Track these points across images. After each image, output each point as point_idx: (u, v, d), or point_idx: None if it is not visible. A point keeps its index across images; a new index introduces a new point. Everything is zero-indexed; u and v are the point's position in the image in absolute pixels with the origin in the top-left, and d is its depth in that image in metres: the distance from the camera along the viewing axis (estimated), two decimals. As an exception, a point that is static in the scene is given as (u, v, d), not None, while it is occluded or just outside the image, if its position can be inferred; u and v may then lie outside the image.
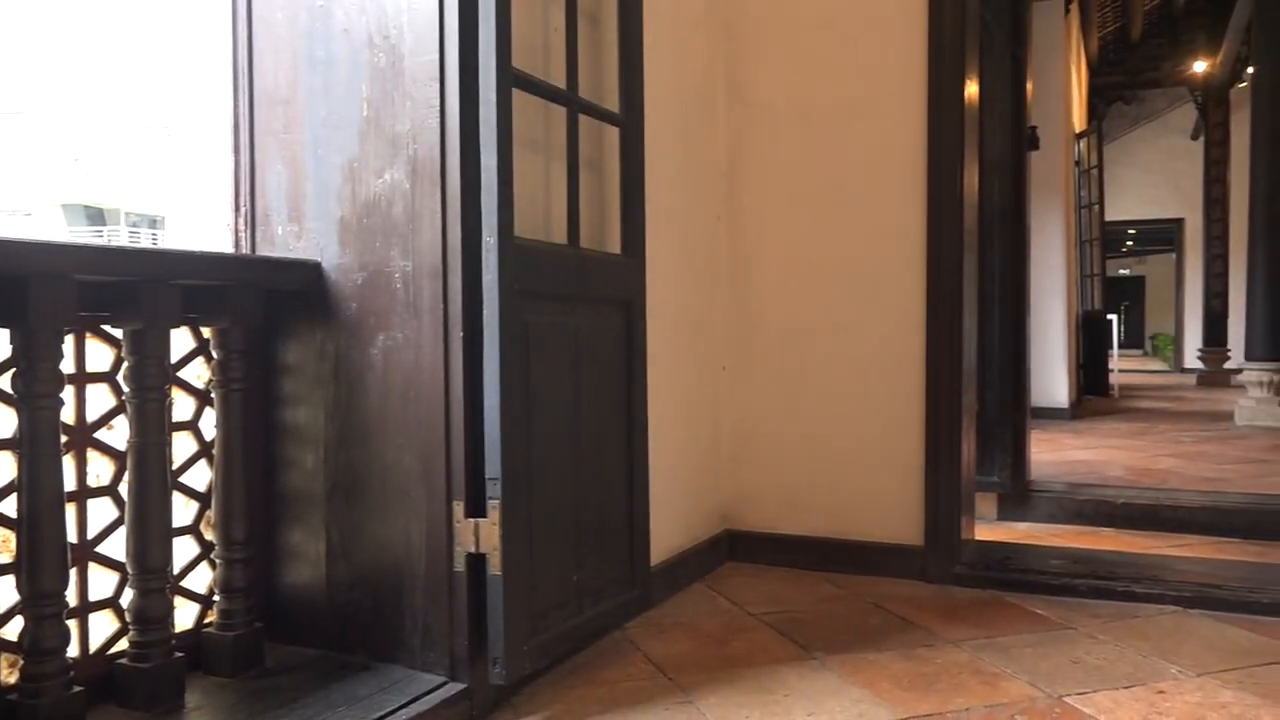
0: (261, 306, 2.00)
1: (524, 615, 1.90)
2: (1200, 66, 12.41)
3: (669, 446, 2.81)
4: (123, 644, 1.80)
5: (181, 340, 1.98)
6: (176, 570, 1.94)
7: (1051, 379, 7.72)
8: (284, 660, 2.01)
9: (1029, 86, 4.17)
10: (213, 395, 1.97)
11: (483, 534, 1.86)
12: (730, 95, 3.24)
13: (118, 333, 1.82)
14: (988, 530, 3.65)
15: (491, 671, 1.85)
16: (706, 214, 3.15)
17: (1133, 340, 26.52)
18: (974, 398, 3.26)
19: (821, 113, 3.12)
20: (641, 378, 2.38)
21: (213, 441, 1.98)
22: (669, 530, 2.82)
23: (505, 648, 1.83)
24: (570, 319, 2.11)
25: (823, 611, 2.66)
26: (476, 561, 1.89)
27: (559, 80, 2.12)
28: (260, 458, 2.09)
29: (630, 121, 2.34)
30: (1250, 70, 8.48)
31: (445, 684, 1.88)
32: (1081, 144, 9.25)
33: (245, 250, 2.13)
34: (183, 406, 2.00)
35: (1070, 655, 2.29)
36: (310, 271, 2.04)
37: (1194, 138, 14.90)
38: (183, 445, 1.99)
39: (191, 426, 2.01)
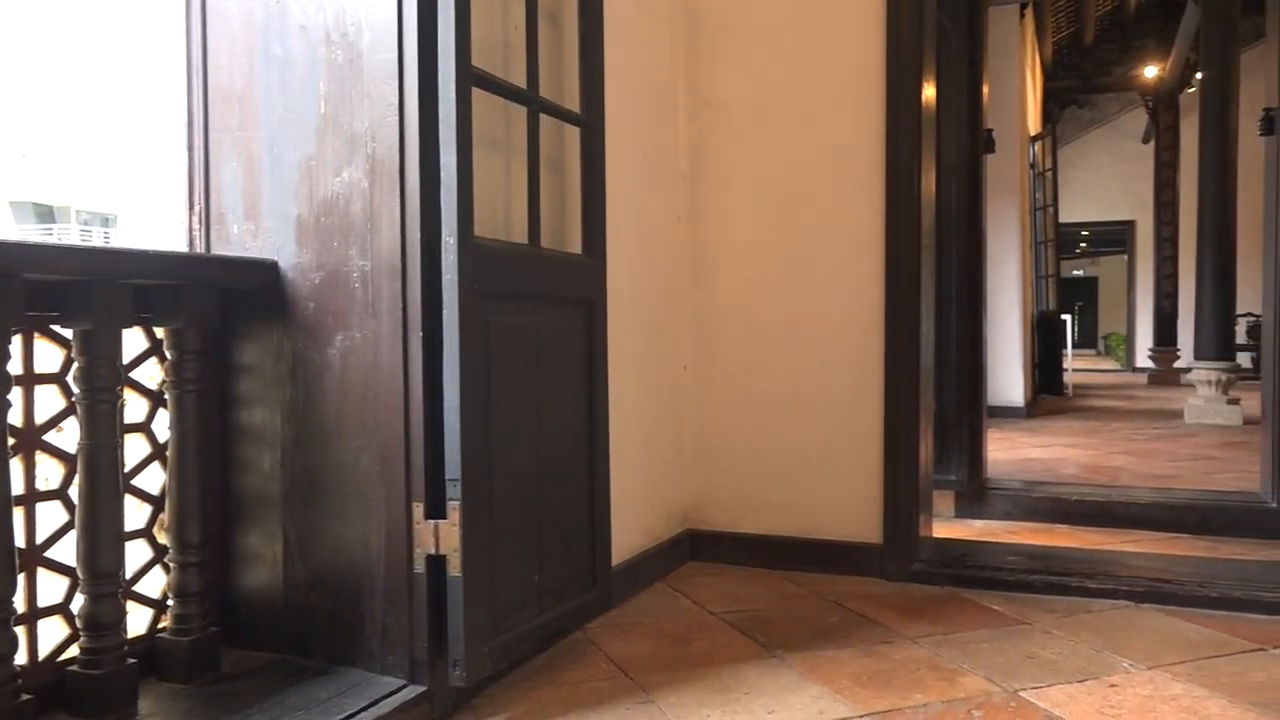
0: (216, 306, 1.97)
1: (484, 617, 1.89)
2: (1151, 72, 12.67)
3: (630, 447, 2.81)
4: (73, 650, 1.77)
5: (134, 340, 1.94)
6: (129, 574, 1.90)
7: (1007, 378, 7.83)
8: (240, 665, 1.98)
9: (985, 90, 4.23)
10: (166, 396, 1.94)
11: (442, 535, 1.85)
12: (691, 96, 3.25)
13: (68, 333, 1.78)
14: (945, 528, 3.69)
15: (451, 674, 1.84)
16: (668, 214, 3.16)
17: (1086, 340, 26.98)
18: (931, 397, 3.30)
19: (782, 114, 3.14)
20: (603, 378, 2.38)
21: (166, 443, 1.94)
22: (630, 530, 2.82)
23: (465, 650, 1.82)
24: (531, 319, 2.10)
25: (783, 610, 2.67)
26: (436, 563, 1.87)
27: (519, 79, 2.12)
28: (216, 460, 2.06)
29: (591, 121, 2.34)
30: (1199, 76, 8.68)
31: (405, 687, 1.87)
32: (1036, 147, 9.40)
33: (200, 249, 2.10)
34: (135, 408, 1.96)
35: (1026, 650, 2.33)
36: (267, 271, 2.01)
37: (1145, 141, 15.19)
38: (135, 447, 1.96)
39: (144, 428, 1.98)
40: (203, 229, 2.10)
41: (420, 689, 1.87)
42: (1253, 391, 5.28)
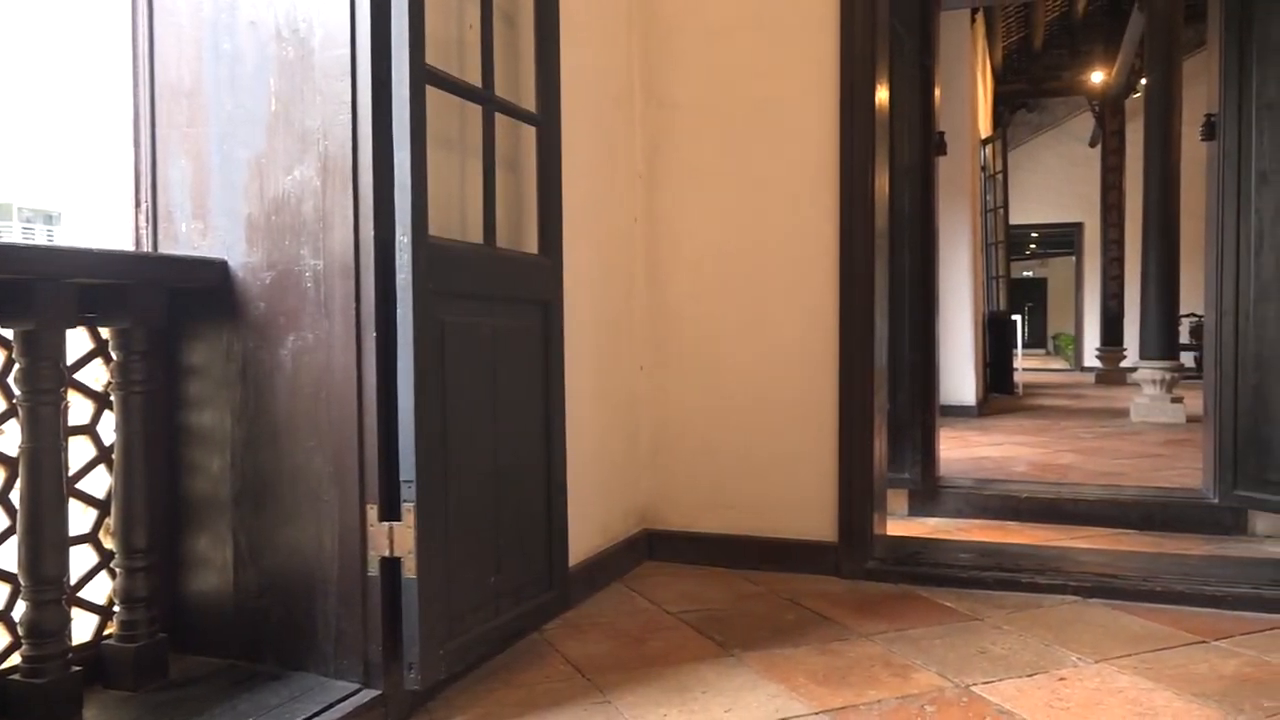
0: (164, 306, 1.93)
1: (440, 619, 1.88)
2: (1097, 77, 12.93)
3: (587, 447, 2.81)
4: (15, 659, 1.72)
5: (78, 341, 1.90)
6: (74, 580, 1.86)
7: (959, 378, 7.95)
8: (189, 671, 1.94)
9: (937, 93, 4.29)
10: (112, 398, 1.90)
11: (397, 537, 1.83)
12: (647, 97, 3.25)
13: (8, 333, 1.74)
14: (899, 525, 3.74)
15: (406, 677, 1.82)
16: (624, 215, 3.16)
17: (1036, 340, 27.46)
18: (885, 397, 3.34)
19: (737, 116, 3.15)
20: (559, 378, 2.37)
21: (112, 446, 1.90)
22: (588, 530, 2.81)
23: (420, 652, 1.81)
24: (487, 319, 2.09)
25: (740, 609, 2.69)
26: (391, 565, 1.85)
27: (474, 78, 2.10)
28: (163, 462, 2.02)
29: (547, 121, 2.33)
30: (1143, 82, 8.87)
31: (359, 691, 1.85)
32: (987, 150, 9.55)
33: (147, 248, 2.06)
34: (80, 410, 1.92)
35: (977, 646, 2.36)
36: (216, 270, 1.98)
37: (1092, 145, 15.51)
38: (80, 450, 1.91)
39: (90, 430, 1.93)
40: (149, 227, 2.06)
41: (375, 693, 1.85)
42: (1195, 390, 5.40)
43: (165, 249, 2.04)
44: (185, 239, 2.03)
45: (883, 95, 3.16)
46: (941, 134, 4.33)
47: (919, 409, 4.10)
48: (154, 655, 1.89)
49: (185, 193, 2.03)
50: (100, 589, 1.94)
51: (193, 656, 2.01)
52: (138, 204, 2.07)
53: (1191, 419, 7.22)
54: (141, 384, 1.89)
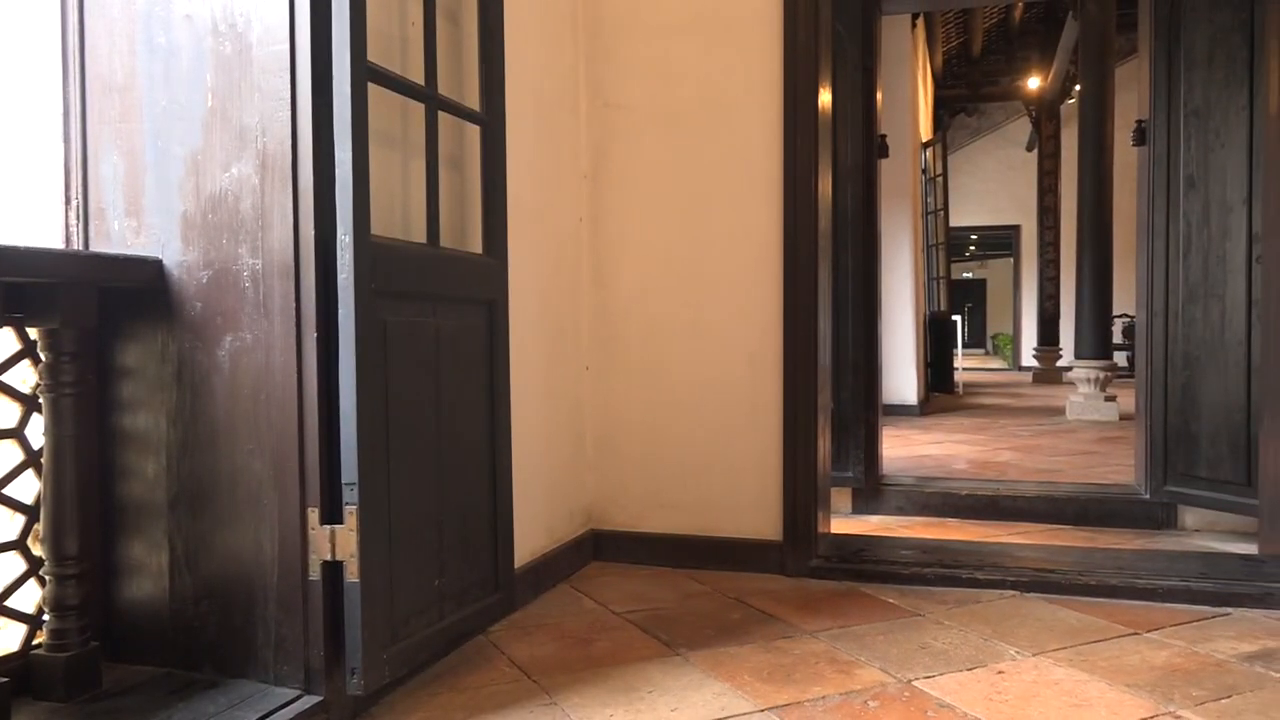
0: (95, 306, 1.88)
1: (383, 623, 1.85)
2: (1034, 83, 13.23)
3: (533, 448, 2.79)
4: (-62, 671, 1.67)
5: (5, 341, 1.84)
6: (1, 588, 1.80)
7: (901, 377, 8.07)
8: (124, 680, 1.89)
9: (879, 97, 4.34)
10: (41, 400, 1.84)
11: (339, 541, 1.81)
12: (593, 97, 3.25)
13: (-70, 334, 1.68)
14: (843, 523, 3.78)
15: (349, 682, 1.80)
16: (569, 215, 3.15)
17: (976, 340, 27.98)
18: (829, 396, 3.38)
19: (682, 117, 3.16)
20: (504, 379, 2.36)
21: (41, 450, 1.85)
22: (533, 531, 2.80)
23: (363, 657, 1.78)
24: (431, 319, 2.07)
25: (687, 608, 2.69)
26: (333, 569, 1.83)
27: (417, 76, 2.08)
28: (95, 467, 1.97)
29: (491, 120, 2.31)
30: (1077, 88, 9.09)
31: (300, 697, 1.82)
32: (928, 153, 9.71)
33: (77, 246, 2.00)
34: (6, 413, 1.86)
35: (919, 641, 2.40)
36: (150, 269, 1.93)
37: (1029, 149, 15.86)
38: (6, 454, 1.85)
39: (16, 434, 1.87)
40: (80, 225, 2.00)
41: (316, 699, 1.82)
42: (1129, 389, 5.55)
43: (97, 247, 1.99)
44: (118, 237, 1.98)
45: (826, 97, 3.19)
46: (883, 137, 4.39)
47: (862, 408, 4.15)
48: (86, 665, 1.84)
49: (118, 190, 1.98)
50: (29, 597, 1.88)
51: (127, 665, 1.96)
52: (68, 201, 2.01)
53: (1124, 417, 7.41)
54: (72, 386, 1.84)
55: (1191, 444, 3.65)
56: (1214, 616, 2.61)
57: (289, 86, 1.83)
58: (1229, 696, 2.03)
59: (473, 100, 2.29)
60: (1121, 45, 9.97)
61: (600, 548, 3.24)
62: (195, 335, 1.91)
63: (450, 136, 2.27)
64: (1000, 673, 2.18)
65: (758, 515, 3.10)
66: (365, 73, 1.82)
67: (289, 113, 1.83)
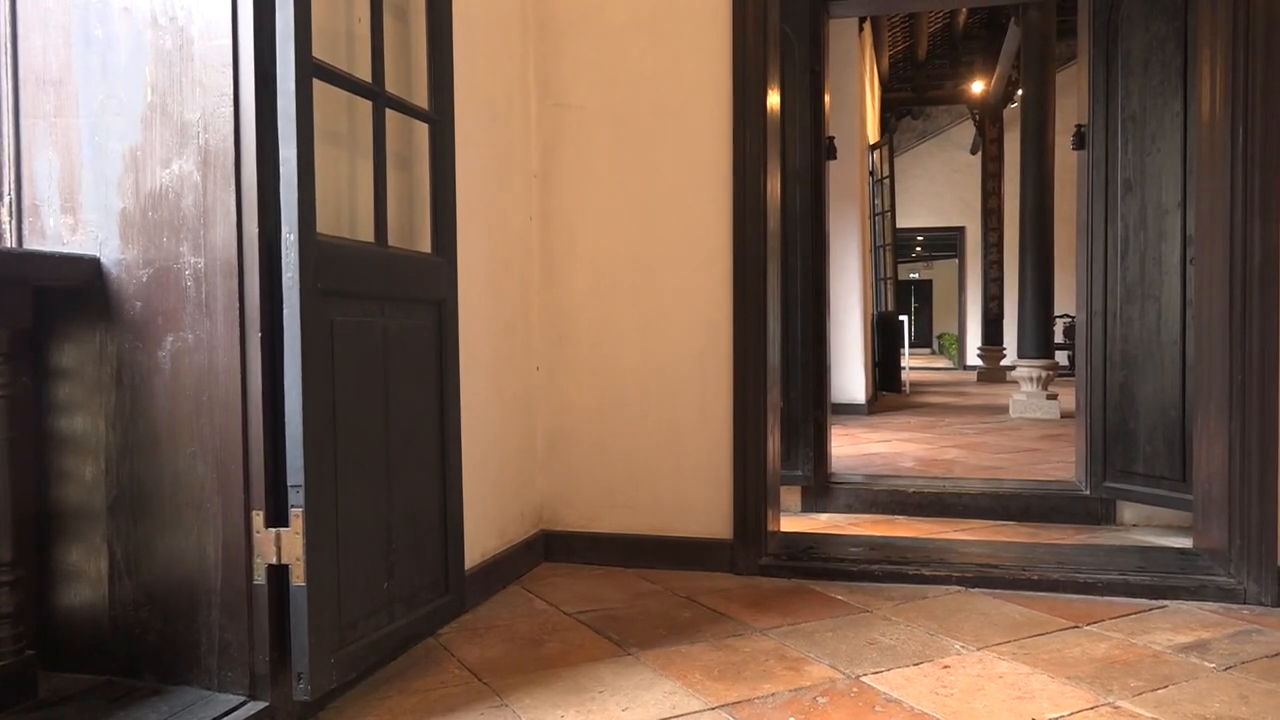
0: (29, 305, 1.83)
1: (330, 627, 1.83)
2: (978, 86, 13.46)
3: (483, 448, 2.78)
4: None
5: (-66, 342, 1.78)
6: (-71, 598, 1.74)
7: (850, 376, 8.16)
8: (61, 689, 1.84)
9: (826, 99, 4.39)
10: (-28, 403, 1.78)
11: (285, 544, 1.78)
12: (543, 96, 3.24)
13: None
14: (793, 522, 3.81)
15: (295, 687, 1.77)
16: (519, 214, 3.14)
17: (922, 339, 28.42)
18: (779, 395, 3.40)
19: (631, 117, 3.17)
20: (454, 379, 2.34)
21: (-27, 454, 1.79)
22: (483, 533, 2.78)
23: (310, 662, 1.76)
24: (378, 319, 2.04)
25: (637, 608, 2.70)
26: (278, 573, 1.80)
27: (364, 73, 2.06)
28: (30, 470, 1.91)
29: (440, 119, 2.29)
30: (1020, 92, 9.27)
31: (245, 703, 1.79)
32: (875, 155, 9.83)
33: (10, 243, 1.95)
34: (-64, 416, 1.80)
35: (867, 637, 2.42)
36: (87, 267, 1.88)
37: (973, 152, 16.14)
38: (-64, 459, 1.79)
39: (-53, 438, 1.81)
40: (14, 222, 1.95)
41: (261, 705, 1.79)
42: (1069, 387, 5.66)
43: (32, 245, 1.93)
44: (54, 234, 1.92)
45: (774, 99, 3.22)
46: (831, 139, 4.43)
47: (811, 407, 4.19)
48: (20, 674, 1.78)
49: (53, 186, 1.93)
50: (-40, 606, 1.82)
51: (65, 674, 1.91)
52: (0, 197, 1.96)
53: (1065, 414, 7.57)
54: (5, 388, 1.78)
55: (1130, 441, 3.75)
56: (1151, 609, 2.68)
57: (231, 82, 1.80)
58: (1165, 687, 2.09)
59: (421, 98, 2.27)
60: (1062, 51, 10.19)
61: (551, 548, 3.23)
62: (135, 335, 1.87)
63: (398, 135, 2.24)
64: (946, 667, 2.21)
65: (708, 514, 3.11)
66: (310, 69, 1.79)
67: (232, 109, 1.80)
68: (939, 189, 17.59)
